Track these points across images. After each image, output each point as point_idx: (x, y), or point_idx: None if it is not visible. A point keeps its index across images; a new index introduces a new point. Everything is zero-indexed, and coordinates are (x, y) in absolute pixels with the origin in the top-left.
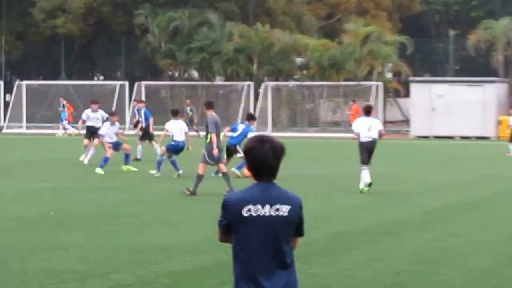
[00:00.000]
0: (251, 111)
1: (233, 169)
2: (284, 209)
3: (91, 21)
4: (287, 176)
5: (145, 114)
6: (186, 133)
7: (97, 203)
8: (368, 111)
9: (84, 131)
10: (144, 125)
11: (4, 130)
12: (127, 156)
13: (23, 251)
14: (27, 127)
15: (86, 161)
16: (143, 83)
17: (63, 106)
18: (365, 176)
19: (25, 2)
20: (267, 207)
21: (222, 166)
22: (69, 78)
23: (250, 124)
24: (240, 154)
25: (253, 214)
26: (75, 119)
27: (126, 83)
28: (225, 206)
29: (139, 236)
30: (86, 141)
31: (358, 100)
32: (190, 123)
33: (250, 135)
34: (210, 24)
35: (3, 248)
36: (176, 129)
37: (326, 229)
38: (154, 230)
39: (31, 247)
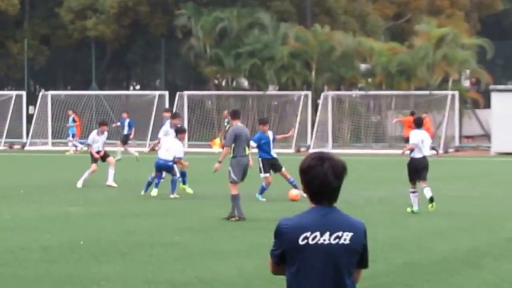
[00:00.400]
0: (309, 124)
1: (257, 196)
2: (346, 237)
3: (126, 23)
4: (349, 198)
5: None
6: (177, 158)
7: (133, 231)
8: (419, 123)
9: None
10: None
11: (28, 147)
12: (183, 175)
13: (48, 285)
14: (53, 144)
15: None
16: (186, 93)
17: (73, 120)
18: (427, 192)
19: (51, 1)
20: (327, 234)
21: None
22: (101, 88)
23: (263, 131)
24: (263, 174)
25: (311, 242)
26: (87, 132)
27: (166, 93)
28: (279, 233)
29: (180, 268)
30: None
31: (431, 112)
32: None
33: (253, 144)
34: (262, 26)
35: (27, 282)
36: (164, 145)
37: (395, 259)
38: (197, 261)
39: (57, 280)
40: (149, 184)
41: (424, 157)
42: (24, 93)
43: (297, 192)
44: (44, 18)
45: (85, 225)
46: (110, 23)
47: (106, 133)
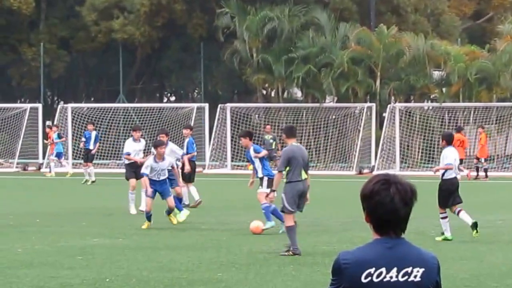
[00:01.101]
0: (373, 141)
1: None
2: (416, 273)
3: (159, 23)
4: (420, 228)
5: (188, 145)
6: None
7: (167, 266)
8: (451, 140)
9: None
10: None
11: (44, 169)
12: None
13: None
14: (74, 165)
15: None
16: (229, 105)
17: (58, 135)
18: (465, 217)
19: None
20: (394, 271)
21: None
22: (129, 100)
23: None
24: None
25: (375, 280)
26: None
27: (206, 105)
28: (338, 269)
29: None
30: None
31: None
32: (270, 157)
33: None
34: (318, 26)
35: None
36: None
37: None
38: None
39: None
40: (169, 213)
41: (456, 177)
42: (40, 105)
43: (258, 224)
44: (63, 18)
45: (111, 260)
46: (140, 24)
47: (143, 141)
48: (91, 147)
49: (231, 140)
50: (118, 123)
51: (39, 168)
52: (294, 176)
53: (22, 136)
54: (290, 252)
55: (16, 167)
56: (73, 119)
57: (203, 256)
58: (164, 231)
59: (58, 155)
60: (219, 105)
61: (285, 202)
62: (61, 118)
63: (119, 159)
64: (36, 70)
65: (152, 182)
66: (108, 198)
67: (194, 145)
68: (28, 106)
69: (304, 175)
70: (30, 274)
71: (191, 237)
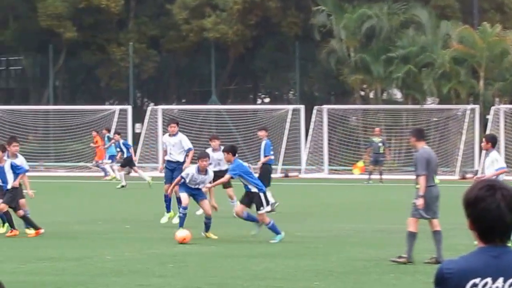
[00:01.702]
0: (476, 144)
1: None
2: None
3: (253, 21)
4: None
5: (266, 148)
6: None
7: (262, 275)
8: (496, 142)
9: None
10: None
11: (134, 173)
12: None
13: None
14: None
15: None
16: (325, 107)
17: (108, 138)
18: None
19: None
20: (500, 281)
21: (435, 223)
22: (222, 101)
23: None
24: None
25: None
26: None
27: (302, 107)
28: (441, 279)
29: None
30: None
31: None
32: (376, 161)
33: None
34: (418, 25)
35: None
36: None
37: None
38: None
39: None
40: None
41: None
42: (129, 107)
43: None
44: (152, 17)
45: (203, 268)
46: (233, 23)
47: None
48: (125, 154)
49: (328, 144)
50: (210, 125)
51: (129, 172)
52: (429, 181)
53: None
54: (403, 259)
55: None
56: (164, 121)
57: (299, 263)
58: (258, 238)
59: (111, 158)
60: (315, 107)
61: (420, 208)
62: (151, 120)
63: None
64: (125, 70)
65: (184, 185)
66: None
67: (271, 147)
68: (117, 108)
69: (436, 180)
70: (119, 282)
71: (286, 244)
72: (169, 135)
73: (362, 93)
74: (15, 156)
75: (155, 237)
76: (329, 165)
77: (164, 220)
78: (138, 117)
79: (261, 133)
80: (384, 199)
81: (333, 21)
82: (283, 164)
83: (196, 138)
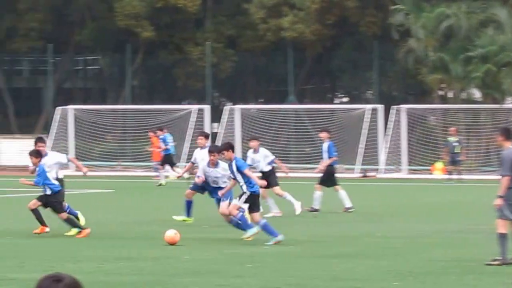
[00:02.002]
0: None
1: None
2: None
3: (331, 21)
4: None
5: (330, 149)
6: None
7: (341, 276)
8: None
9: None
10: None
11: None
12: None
13: None
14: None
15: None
16: (404, 106)
17: (164, 140)
18: None
19: None
20: None
21: None
22: (300, 101)
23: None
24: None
25: None
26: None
27: (380, 106)
28: None
29: None
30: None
31: None
32: (453, 161)
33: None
34: (497, 24)
35: None
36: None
37: None
38: None
39: None
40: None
41: None
42: (207, 107)
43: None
44: (230, 16)
45: (281, 268)
46: (311, 22)
47: (263, 151)
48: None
49: (408, 143)
50: (289, 125)
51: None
52: None
53: (188, 139)
54: (499, 262)
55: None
56: (242, 120)
57: (378, 264)
58: (337, 239)
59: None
60: (394, 107)
61: (504, 209)
62: (229, 119)
63: (290, 163)
64: (202, 70)
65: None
66: (279, 204)
67: (335, 148)
68: (194, 107)
69: None
70: (197, 282)
71: (365, 245)
72: (201, 148)
73: (441, 92)
74: (45, 155)
75: (233, 237)
76: (409, 165)
77: (177, 218)
78: (215, 116)
79: (323, 135)
80: (464, 199)
81: (411, 21)
82: (361, 164)
83: (275, 138)
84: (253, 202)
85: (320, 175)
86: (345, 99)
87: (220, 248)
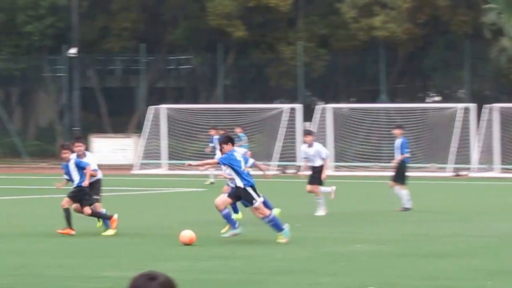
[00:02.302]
0: None
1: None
2: None
3: (422, 20)
4: None
5: (402, 146)
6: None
7: (433, 275)
8: None
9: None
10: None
11: (302, 172)
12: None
13: None
14: (336, 168)
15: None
16: (496, 105)
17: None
18: None
19: None
20: None
21: None
22: (391, 100)
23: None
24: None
25: None
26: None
27: (472, 105)
28: None
29: None
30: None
31: None
32: None
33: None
34: None
35: None
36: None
37: None
38: None
39: None
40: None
41: None
42: (299, 106)
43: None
44: (322, 16)
45: (374, 267)
46: (402, 21)
47: (316, 145)
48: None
49: (500, 142)
50: (380, 124)
51: (298, 171)
52: None
53: (281, 138)
54: None
55: (277, 170)
56: (335, 120)
57: (470, 263)
58: (429, 238)
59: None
60: (486, 106)
61: None
62: (321, 118)
63: (382, 162)
64: (294, 69)
65: None
66: (373, 202)
67: (407, 145)
68: (286, 106)
69: None
70: (290, 280)
71: (457, 244)
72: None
73: None
74: (82, 156)
75: (326, 236)
76: (502, 164)
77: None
78: (307, 115)
79: (397, 131)
80: None
81: (503, 19)
82: (454, 163)
83: (367, 137)
84: (244, 195)
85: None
86: (437, 98)
87: (313, 247)
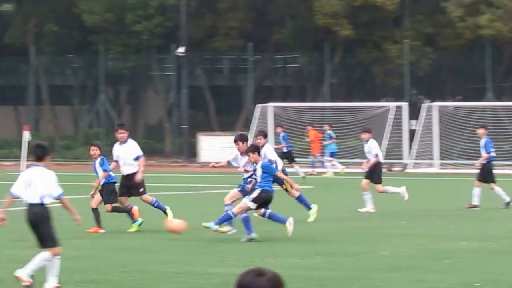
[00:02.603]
0: None
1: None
2: None
3: None
4: None
5: (486, 145)
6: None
7: None
8: None
9: None
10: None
11: (409, 169)
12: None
13: None
14: (441, 166)
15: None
16: None
17: (329, 136)
18: None
19: None
20: None
21: None
22: (498, 98)
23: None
24: None
25: None
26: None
27: None
28: None
29: None
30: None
31: None
32: None
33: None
34: None
35: None
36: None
37: None
38: None
39: None
40: None
41: None
42: (405, 104)
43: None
44: (428, 15)
45: (480, 264)
46: (508, 20)
47: (372, 141)
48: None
49: None
50: (486, 122)
51: (404, 169)
52: None
53: (386, 136)
54: None
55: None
56: (440, 118)
57: None
58: None
59: (332, 155)
60: None
61: None
62: (427, 117)
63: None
64: (400, 68)
65: None
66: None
67: (492, 145)
68: (393, 105)
69: None
70: (396, 277)
71: None
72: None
73: None
74: (124, 142)
75: (429, 233)
76: None
77: (311, 218)
78: (413, 114)
79: (481, 131)
80: None
81: None
82: None
83: (472, 135)
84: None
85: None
86: None
87: (418, 244)
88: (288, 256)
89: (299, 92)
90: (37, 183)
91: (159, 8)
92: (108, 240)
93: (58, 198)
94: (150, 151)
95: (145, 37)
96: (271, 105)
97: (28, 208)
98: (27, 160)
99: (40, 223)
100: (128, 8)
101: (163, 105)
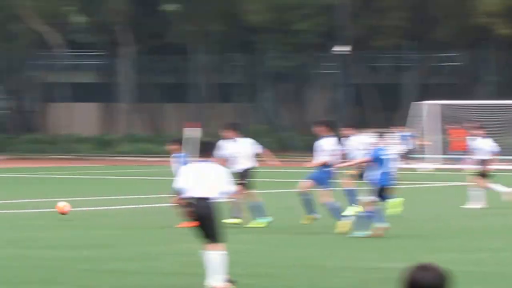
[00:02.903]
0: None
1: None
2: None
3: None
4: None
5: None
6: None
7: None
8: None
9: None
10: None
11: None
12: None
13: None
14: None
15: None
16: None
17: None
18: None
19: None
20: None
21: None
22: None
23: None
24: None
25: None
26: None
27: None
28: None
29: None
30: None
31: None
32: None
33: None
34: None
35: None
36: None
37: None
38: None
39: None
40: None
41: None
42: None
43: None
44: None
45: None
46: None
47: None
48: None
49: None
50: None
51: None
52: None
53: None
54: None
55: None
56: None
57: None
58: None
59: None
60: None
61: None
62: None
63: None
64: None
65: None
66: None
67: None
68: None
69: None
70: None
71: None
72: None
73: None
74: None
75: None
76: None
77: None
78: None
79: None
80: None
81: None
82: None
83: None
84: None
85: None
86: None
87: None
88: (449, 251)
89: (459, 90)
90: (211, 178)
91: (321, 7)
92: (273, 235)
93: (228, 194)
94: (310, 148)
95: (307, 36)
96: (431, 103)
97: (197, 202)
98: (193, 156)
99: (210, 218)
100: (289, 8)
101: (324, 102)
